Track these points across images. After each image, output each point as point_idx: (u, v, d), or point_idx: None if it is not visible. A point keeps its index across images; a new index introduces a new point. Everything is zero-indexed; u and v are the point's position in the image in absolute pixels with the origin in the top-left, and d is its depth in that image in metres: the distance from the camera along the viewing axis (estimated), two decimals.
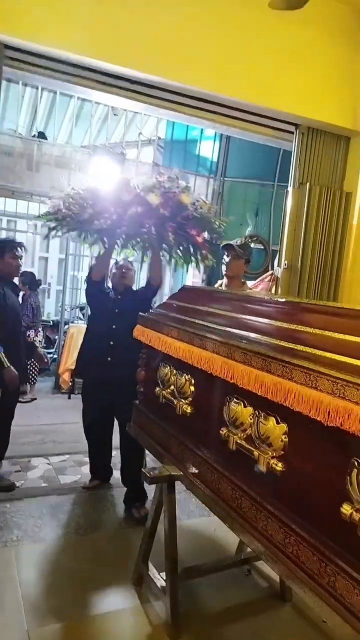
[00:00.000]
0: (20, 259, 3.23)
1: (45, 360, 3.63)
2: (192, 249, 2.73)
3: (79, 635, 1.98)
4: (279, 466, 1.35)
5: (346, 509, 1.10)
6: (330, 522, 1.16)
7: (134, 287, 3.32)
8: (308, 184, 3.74)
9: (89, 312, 3.34)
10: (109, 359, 2.93)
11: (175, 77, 3.20)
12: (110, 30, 2.96)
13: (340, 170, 3.88)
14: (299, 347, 1.31)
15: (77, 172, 4.86)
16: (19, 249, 3.18)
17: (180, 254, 2.74)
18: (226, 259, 3.22)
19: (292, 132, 3.78)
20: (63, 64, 3.04)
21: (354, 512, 1.09)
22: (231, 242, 3.19)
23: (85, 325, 3.70)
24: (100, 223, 2.53)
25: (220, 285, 3.43)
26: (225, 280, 3.34)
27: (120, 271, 3.14)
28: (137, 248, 2.86)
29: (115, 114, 6.02)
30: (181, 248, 2.71)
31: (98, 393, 3.04)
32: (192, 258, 2.75)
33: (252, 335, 1.54)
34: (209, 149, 6.46)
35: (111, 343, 2.94)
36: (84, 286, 3.13)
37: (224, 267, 3.29)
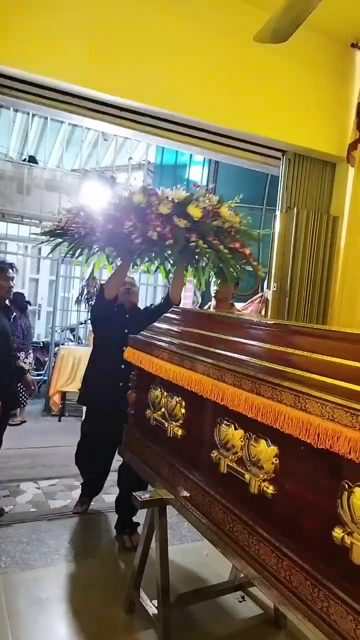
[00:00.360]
0: (12, 280, 3.18)
1: (33, 387, 3.52)
2: (233, 263, 2.78)
3: None
4: (270, 489, 1.35)
5: (338, 532, 1.10)
6: (322, 546, 1.16)
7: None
8: (295, 208, 3.81)
9: (96, 333, 3.18)
10: (121, 384, 2.64)
11: (165, 105, 3.27)
12: (101, 59, 3.04)
13: (327, 195, 3.96)
14: (288, 370, 1.33)
15: (68, 195, 4.92)
16: (10, 270, 3.15)
17: (226, 268, 2.75)
18: (214, 279, 3.28)
19: (279, 158, 3.87)
20: (54, 91, 3.10)
21: (346, 536, 1.09)
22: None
23: (77, 347, 3.77)
24: (134, 236, 2.51)
25: (209, 308, 3.46)
26: (214, 302, 3.38)
27: (125, 287, 2.99)
28: (157, 262, 2.91)
29: (105, 139, 6.13)
30: (221, 264, 2.75)
31: (109, 420, 2.76)
32: (237, 269, 2.83)
33: (242, 357, 1.55)
34: (198, 174, 6.58)
35: (122, 367, 2.59)
36: (91, 304, 3.21)
37: (213, 290, 3.34)
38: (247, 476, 1.43)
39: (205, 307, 3.58)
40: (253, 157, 3.87)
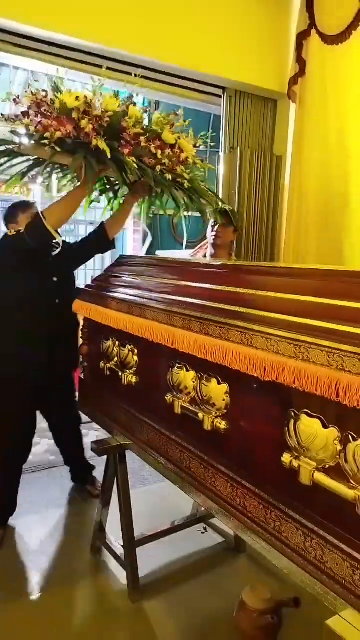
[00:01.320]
0: None
1: None
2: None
3: (42, 607, 2.00)
4: (223, 424, 1.40)
5: (286, 457, 1.16)
6: (272, 472, 1.22)
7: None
8: (239, 148, 3.74)
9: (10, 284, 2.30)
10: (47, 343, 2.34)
11: (97, 39, 3.06)
12: None
13: (270, 134, 3.90)
14: (234, 308, 1.34)
15: None
16: None
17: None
18: (212, 225, 2.89)
19: (220, 96, 3.75)
20: None
21: (294, 460, 1.15)
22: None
23: None
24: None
25: (204, 257, 3.01)
26: (210, 250, 2.94)
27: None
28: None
29: (36, 80, 5.71)
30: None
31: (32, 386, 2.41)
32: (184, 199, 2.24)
33: (189, 300, 1.55)
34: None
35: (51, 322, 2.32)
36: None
37: (210, 235, 2.91)
38: (200, 415, 1.46)
39: (195, 253, 3.14)
40: (193, 95, 3.73)
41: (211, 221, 2.90)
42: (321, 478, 1.08)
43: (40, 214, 2.08)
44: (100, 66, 3.29)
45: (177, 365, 1.60)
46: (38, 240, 2.11)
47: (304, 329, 1.11)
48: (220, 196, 3.78)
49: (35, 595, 2.06)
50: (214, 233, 2.88)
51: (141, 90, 3.84)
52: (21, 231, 2.12)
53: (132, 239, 7.09)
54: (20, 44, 3.04)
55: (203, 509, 2.20)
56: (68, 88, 2.16)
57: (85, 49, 3.17)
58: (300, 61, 3.52)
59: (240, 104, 3.74)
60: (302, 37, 3.48)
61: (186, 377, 1.56)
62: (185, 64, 3.40)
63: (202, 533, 2.54)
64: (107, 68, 3.29)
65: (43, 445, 3.42)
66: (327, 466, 1.09)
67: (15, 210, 2.41)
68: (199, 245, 4.74)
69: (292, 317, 1.16)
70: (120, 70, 3.38)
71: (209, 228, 2.93)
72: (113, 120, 2.02)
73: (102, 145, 1.92)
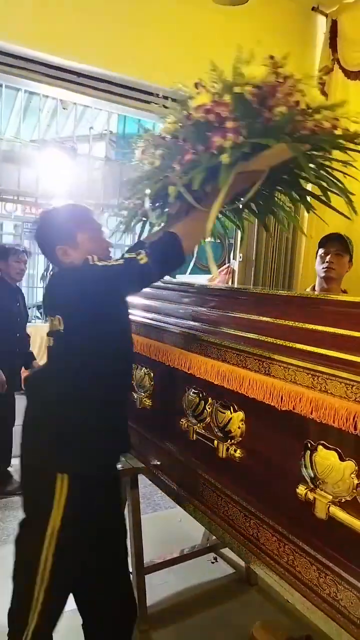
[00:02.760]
0: (25, 263, 3.31)
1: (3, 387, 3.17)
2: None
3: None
4: (238, 453, 1.39)
5: (301, 489, 1.15)
6: (286, 503, 1.20)
7: None
8: None
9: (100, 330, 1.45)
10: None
11: (125, 71, 3.17)
12: (54, 21, 2.90)
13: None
14: (252, 336, 1.35)
15: (27, 167, 4.75)
16: (23, 253, 3.28)
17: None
18: (322, 251, 2.34)
19: None
20: (5, 55, 2.96)
21: (309, 492, 1.13)
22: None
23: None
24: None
25: (312, 289, 2.43)
26: (320, 282, 2.35)
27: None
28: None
29: (64, 108, 5.92)
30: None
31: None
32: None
33: (208, 327, 1.56)
34: None
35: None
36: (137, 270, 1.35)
37: (321, 267, 2.32)
38: (215, 442, 1.46)
39: (308, 288, 2.48)
40: None
41: (320, 251, 2.33)
42: (337, 512, 1.07)
43: (176, 235, 1.39)
44: (125, 96, 3.42)
45: (193, 390, 1.60)
46: (168, 271, 1.46)
47: (322, 360, 1.11)
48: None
49: None
50: (325, 265, 2.29)
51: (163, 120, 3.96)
52: (131, 257, 1.35)
53: None
54: (49, 74, 3.16)
55: (214, 538, 2.17)
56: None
57: (111, 79, 3.28)
58: (323, 95, 3.58)
59: None
60: (325, 72, 3.56)
61: (201, 403, 1.56)
62: None
63: (213, 563, 2.49)
64: (131, 98, 3.43)
65: None
66: (343, 500, 1.07)
67: (68, 225, 1.49)
68: (218, 270, 4.79)
69: (310, 346, 1.17)
70: (145, 100, 3.48)
71: (318, 259, 2.36)
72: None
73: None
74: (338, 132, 1.37)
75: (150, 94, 3.44)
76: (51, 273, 1.59)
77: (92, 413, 1.41)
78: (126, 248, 1.75)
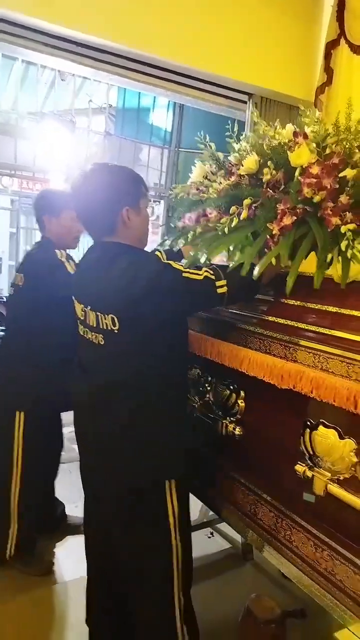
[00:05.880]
0: None
1: None
2: None
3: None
4: (237, 430, 1.39)
5: (300, 467, 1.16)
6: (285, 480, 1.22)
7: None
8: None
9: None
10: None
11: (125, 42, 3.08)
12: None
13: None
14: (252, 314, 1.34)
15: (24, 140, 4.65)
16: None
17: None
18: None
19: (246, 102, 3.76)
20: (2, 22, 2.87)
21: (307, 470, 1.14)
22: None
23: None
24: None
25: None
26: None
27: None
28: None
29: (62, 79, 5.78)
30: None
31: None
32: None
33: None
34: (162, 119, 6.34)
35: None
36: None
37: None
38: (218, 420, 1.47)
39: None
40: (219, 100, 3.74)
41: None
42: (335, 489, 1.08)
43: (258, 286, 1.35)
44: (125, 67, 3.34)
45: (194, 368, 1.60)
46: (234, 301, 1.36)
47: (323, 338, 1.11)
48: None
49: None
50: None
51: (167, 93, 3.89)
52: (210, 279, 1.25)
53: None
54: (48, 43, 3.07)
55: (211, 513, 2.20)
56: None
57: (112, 50, 3.20)
58: (328, 70, 3.51)
59: (266, 111, 3.75)
60: (330, 46, 3.46)
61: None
62: (212, 68, 3.41)
63: (209, 538, 2.53)
64: (132, 69, 3.35)
65: None
66: (341, 477, 1.08)
67: (136, 186, 1.34)
68: None
69: (312, 325, 1.16)
70: (146, 72, 3.41)
71: None
72: None
73: None
74: None
75: (152, 65, 3.37)
76: (95, 255, 1.34)
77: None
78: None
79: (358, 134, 1.25)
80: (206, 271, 1.24)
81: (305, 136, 1.27)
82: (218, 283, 1.23)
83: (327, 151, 1.25)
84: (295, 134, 1.29)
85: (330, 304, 1.16)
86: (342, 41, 3.35)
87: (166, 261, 1.23)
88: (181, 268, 1.22)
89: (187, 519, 1.40)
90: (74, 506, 2.48)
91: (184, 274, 1.21)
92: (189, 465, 1.36)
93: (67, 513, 2.45)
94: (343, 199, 1.16)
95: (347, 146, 1.24)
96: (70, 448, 3.18)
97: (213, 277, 1.23)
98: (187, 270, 1.22)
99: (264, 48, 3.51)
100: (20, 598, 1.99)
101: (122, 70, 3.33)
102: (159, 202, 6.08)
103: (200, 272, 1.23)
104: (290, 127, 1.34)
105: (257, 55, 3.51)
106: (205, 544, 2.47)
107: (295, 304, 1.25)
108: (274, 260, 1.21)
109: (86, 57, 3.20)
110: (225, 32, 3.36)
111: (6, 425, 2.00)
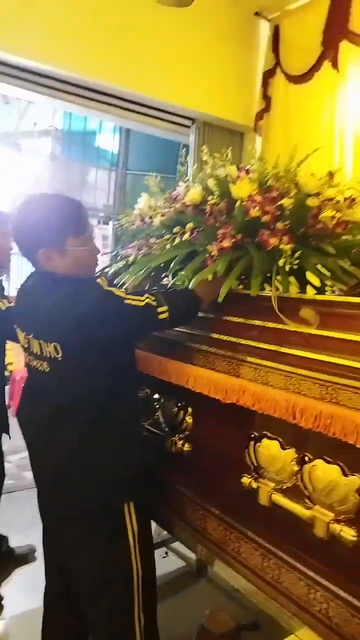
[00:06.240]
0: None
1: None
2: None
3: None
4: (186, 447, 1.42)
5: (246, 480, 1.19)
6: (232, 493, 1.25)
7: None
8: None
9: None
10: None
11: (69, 67, 3.13)
12: None
13: (237, 165, 4.05)
14: (197, 332, 1.38)
15: None
16: None
17: None
18: None
19: (189, 127, 3.88)
20: None
21: (253, 481, 1.18)
22: None
23: None
24: None
25: None
26: None
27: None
28: None
29: (7, 103, 5.76)
30: None
31: None
32: None
33: None
34: (109, 141, 6.42)
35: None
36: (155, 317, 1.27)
37: None
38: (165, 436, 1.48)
39: None
40: (163, 125, 3.84)
41: None
42: (279, 499, 1.12)
43: (200, 302, 1.33)
44: (71, 93, 3.39)
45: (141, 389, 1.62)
46: (177, 324, 1.39)
47: (262, 352, 1.16)
48: None
49: None
50: None
51: (112, 118, 3.95)
52: (151, 305, 1.24)
53: None
54: None
55: (165, 532, 2.20)
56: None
57: (56, 76, 3.23)
58: (266, 98, 3.70)
59: (209, 135, 3.88)
60: (267, 75, 3.67)
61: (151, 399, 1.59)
62: (156, 94, 3.51)
63: (163, 557, 2.51)
64: (76, 95, 3.40)
65: None
66: (284, 487, 1.12)
67: (58, 226, 1.28)
68: None
69: (252, 341, 1.21)
70: (91, 97, 3.47)
71: None
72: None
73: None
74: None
75: (96, 91, 3.43)
76: (35, 284, 1.33)
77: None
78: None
79: (295, 176, 1.36)
80: (147, 297, 1.24)
81: (247, 172, 1.38)
82: (160, 309, 1.24)
83: (268, 184, 1.36)
84: (238, 169, 1.40)
85: (269, 320, 1.22)
86: (278, 71, 3.56)
87: (107, 288, 1.23)
88: (123, 295, 1.22)
89: (149, 539, 1.40)
90: (23, 536, 2.41)
91: (125, 301, 1.21)
92: (148, 486, 1.37)
93: (13, 544, 2.37)
94: (279, 225, 1.27)
95: (285, 185, 1.35)
96: (20, 475, 3.09)
97: (155, 303, 1.24)
98: (129, 297, 1.22)
99: (204, 74, 3.66)
100: None
101: (67, 95, 3.38)
102: (108, 223, 6.12)
103: (142, 299, 1.23)
104: (234, 168, 1.43)
105: (199, 81, 3.65)
106: (161, 564, 2.45)
107: (237, 320, 1.30)
108: (210, 276, 1.28)
109: (30, 83, 3.22)
110: (167, 59, 3.47)
111: None
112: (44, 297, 1.26)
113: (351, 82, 3.15)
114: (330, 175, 1.40)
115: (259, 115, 3.75)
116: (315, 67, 3.31)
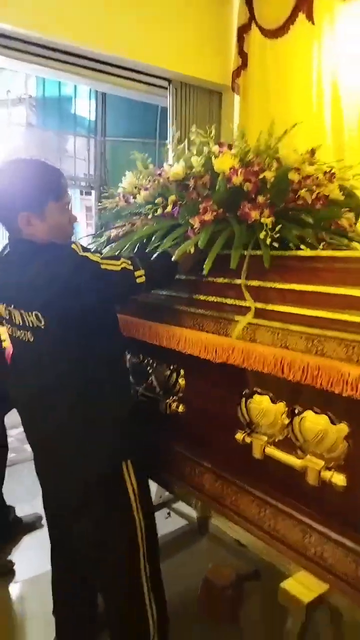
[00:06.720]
0: None
1: None
2: None
3: None
4: (180, 408, 1.45)
5: (239, 435, 1.23)
6: (228, 449, 1.28)
7: None
8: (186, 140, 3.79)
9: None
10: None
11: (39, 29, 3.01)
12: None
13: (215, 126, 3.96)
14: (183, 294, 1.39)
15: None
16: None
17: None
18: None
19: (166, 88, 3.78)
20: None
21: (246, 436, 1.21)
22: None
23: None
24: None
25: None
26: None
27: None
28: None
29: None
30: None
31: None
32: None
33: None
34: (85, 108, 6.24)
35: None
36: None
37: None
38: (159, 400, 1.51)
39: None
40: (139, 87, 3.74)
41: None
42: (272, 451, 1.15)
43: (177, 266, 1.36)
44: (43, 56, 3.27)
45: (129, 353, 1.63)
46: (154, 287, 1.41)
47: (248, 310, 1.17)
48: None
49: None
50: None
51: (87, 82, 3.84)
52: (128, 270, 1.26)
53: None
54: None
55: (166, 493, 2.26)
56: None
57: (28, 39, 3.12)
58: (242, 54, 3.59)
59: (186, 96, 3.79)
60: (242, 30, 3.55)
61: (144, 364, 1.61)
62: (131, 55, 3.40)
63: (166, 518, 2.59)
64: (51, 59, 3.29)
65: None
66: (276, 440, 1.16)
67: (39, 189, 1.28)
68: None
69: (237, 300, 1.22)
70: (64, 60, 3.35)
71: None
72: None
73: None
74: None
75: (69, 53, 3.31)
76: (11, 253, 1.33)
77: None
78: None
79: (276, 152, 1.39)
80: (123, 261, 1.24)
81: (230, 147, 1.40)
82: (137, 273, 1.25)
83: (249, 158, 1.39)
84: (220, 144, 1.43)
85: (253, 279, 1.22)
86: (253, 25, 3.44)
87: (83, 254, 1.21)
88: (98, 260, 1.21)
89: (148, 496, 1.45)
90: (29, 505, 2.47)
91: (102, 266, 1.21)
92: (143, 445, 1.40)
93: (19, 513, 2.43)
94: (260, 198, 1.27)
95: (266, 160, 1.38)
96: (21, 448, 3.14)
97: (131, 267, 1.25)
98: (104, 262, 1.22)
99: (179, 33, 3.54)
100: None
101: (39, 59, 3.27)
102: (90, 192, 6.02)
103: (118, 263, 1.24)
104: (216, 147, 1.44)
105: (173, 40, 3.54)
106: (164, 524, 2.54)
107: (222, 281, 1.30)
108: (192, 249, 1.29)
109: (1, 47, 3.10)
110: (140, 17, 3.35)
111: None
112: (22, 266, 1.25)
113: (327, 35, 3.05)
114: (312, 152, 1.42)
115: (236, 73, 3.65)
116: (290, 19, 3.20)
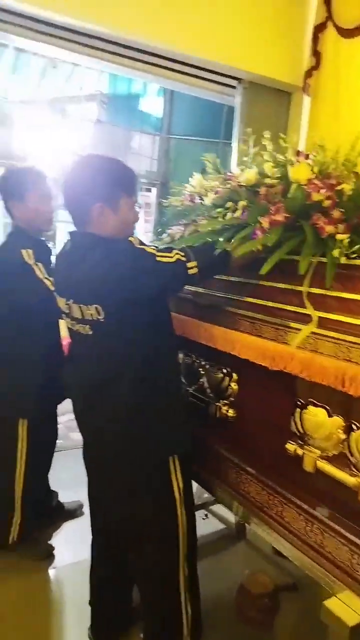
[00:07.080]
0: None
1: None
2: None
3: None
4: (230, 412, 1.43)
5: (291, 446, 1.20)
6: (277, 459, 1.26)
7: None
8: (252, 142, 3.75)
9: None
10: None
11: (114, 27, 3.05)
12: None
13: (283, 127, 3.89)
14: (239, 298, 1.37)
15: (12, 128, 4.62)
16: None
17: None
18: None
19: (235, 87, 3.74)
20: None
21: (298, 448, 1.18)
22: None
23: None
24: None
25: None
26: None
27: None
28: None
29: (54, 67, 5.73)
30: None
31: None
32: None
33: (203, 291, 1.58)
34: (153, 105, 6.30)
35: None
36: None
37: None
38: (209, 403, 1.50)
39: None
40: (208, 86, 3.72)
41: None
42: (324, 466, 1.12)
43: (230, 257, 1.37)
44: (113, 53, 3.32)
45: (184, 354, 1.63)
46: (206, 278, 1.40)
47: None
48: None
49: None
50: None
51: (157, 79, 3.86)
52: (182, 261, 1.28)
53: None
54: (39, 30, 3.05)
55: (206, 495, 2.25)
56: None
57: (102, 36, 3.17)
58: (316, 54, 3.50)
59: (255, 96, 3.74)
60: (318, 30, 3.46)
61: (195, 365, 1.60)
62: (201, 52, 3.39)
63: (204, 519, 2.58)
64: (123, 56, 3.33)
65: None
66: (330, 454, 1.12)
67: (116, 183, 1.33)
68: None
69: (298, 307, 1.19)
70: (135, 58, 3.39)
71: None
72: None
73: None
74: None
75: (141, 50, 3.35)
76: (70, 247, 1.36)
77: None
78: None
79: (355, 167, 1.34)
80: (177, 253, 1.27)
81: (307, 157, 1.36)
82: (189, 264, 1.28)
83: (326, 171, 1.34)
84: (298, 153, 1.39)
85: (316, 287, 1.19)
86: (330, 24, 3.34)
87: (139, 246, 1.24)
88: (154, 252, 1.25)
89: (191, 494, 1.46)
90: (72, 492, 2.53)
91: (157, 258, 1.24)
92: (190, 444, 1.40)
93: (62, 500, 2.50)
94: (335, 213, 1.23)
95: (344, 172, 1.34)
96: (67, 436, 3.22)
97: (184, 258, 1.27)
98: (159, 254, 1.25)
99: (251, 31, 3.49)
100: (23, 580, 2.04)
101: (112, 56, 3.32)
102: (151, 189, 6.07)
103: (171, 255, 1.26)
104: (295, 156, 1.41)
105: (245, 39, 3.49)
106: (201, 526, 2.52)
107: (283, 287, 1.27)
108: (259, 247, 1.26)
109: (77, 44, 3.18)
110: (212, 16, 3.33)
111: (10, 425, 2.05)
112: (81, 261, 1.28)
113: None
114: None
115: (309, 73, 3.55)
116: None
